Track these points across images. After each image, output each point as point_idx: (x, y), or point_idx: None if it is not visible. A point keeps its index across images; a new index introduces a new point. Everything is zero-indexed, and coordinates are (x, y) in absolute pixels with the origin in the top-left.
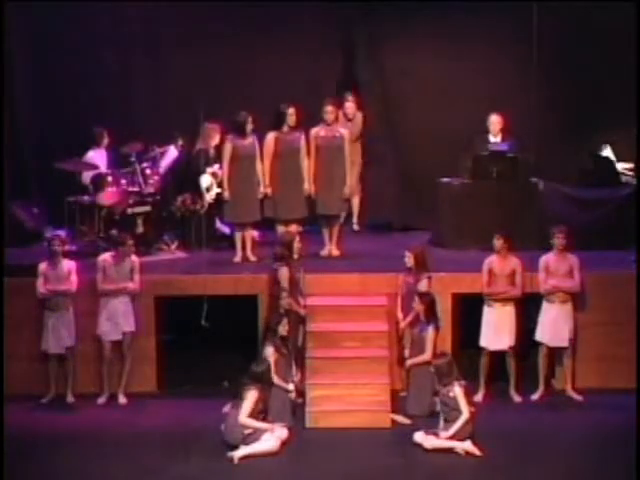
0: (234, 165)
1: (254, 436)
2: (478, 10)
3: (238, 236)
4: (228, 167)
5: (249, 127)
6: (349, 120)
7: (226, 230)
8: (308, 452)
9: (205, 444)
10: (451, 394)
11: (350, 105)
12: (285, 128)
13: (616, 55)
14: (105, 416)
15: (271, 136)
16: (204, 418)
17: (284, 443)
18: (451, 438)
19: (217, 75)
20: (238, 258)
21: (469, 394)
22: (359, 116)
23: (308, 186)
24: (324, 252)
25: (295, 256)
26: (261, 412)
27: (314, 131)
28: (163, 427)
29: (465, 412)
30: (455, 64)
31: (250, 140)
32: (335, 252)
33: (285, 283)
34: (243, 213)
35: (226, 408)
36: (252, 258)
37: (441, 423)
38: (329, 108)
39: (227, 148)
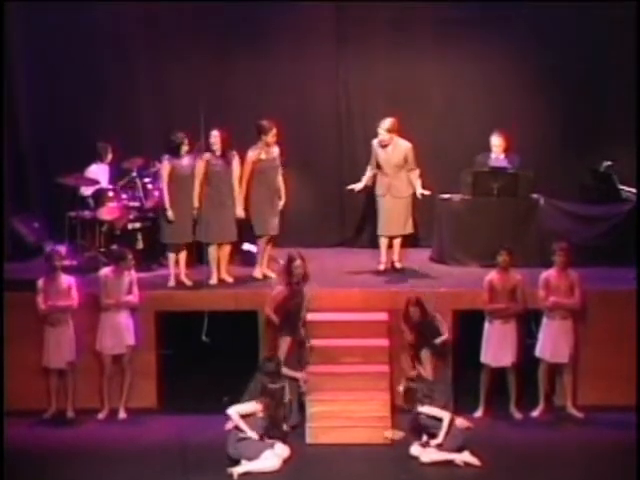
0: (173, 185)
1: (253, 451)
2: (479, 26)
3: (172, 257)
4: (168, 187)
5: (184, 148)
6: (383, 146)
7: (253, 249)
8: (308, 468)
9: (205, 460)
10: (421, 414)
11: (379, 130)
12: (216, 152)
13: (617, 71)
14: (105, 431)
15: (203, 159)
16: (204, 434)
17: (285, 460)
18: (443, 446)
19: (219, 90)
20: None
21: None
22: (404, 144)
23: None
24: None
25: (294, 279)
26: (261, 428)
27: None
28: (163, 442)
29: (445, 415)
30: (456, 81)
31: (187, 161)
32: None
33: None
34: (183, 233)
35: (229, 425)
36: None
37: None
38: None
39: (165, 168)
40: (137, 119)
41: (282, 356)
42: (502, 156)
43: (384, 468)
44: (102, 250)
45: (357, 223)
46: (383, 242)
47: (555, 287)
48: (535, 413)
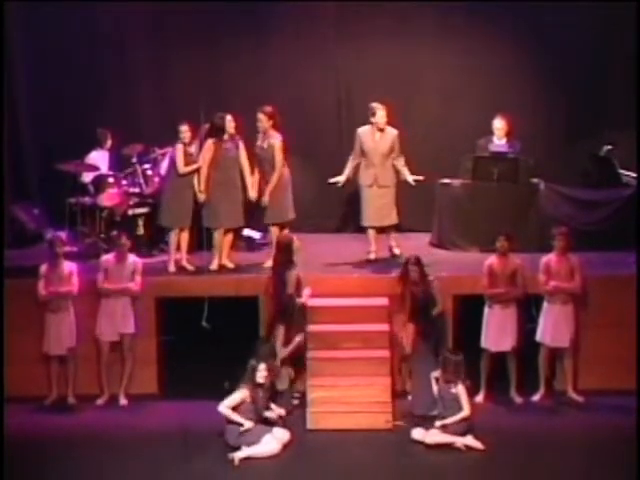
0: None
1: (253, 436)
2: (481, 12)
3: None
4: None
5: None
6: (380, 130)
7: (256, 236)
8: (309, 453)
9: (206, 446)
10: (453, 390)
11: (381, 115)
12: (225, 136)
13: (617, 57)
14: (106, 418)
15: (209, 144)
16: (205, 420)
17: (285, 446)
18: (448, 429)
19: (219, 76)
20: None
21: (470, 395)
22: (391, 132)
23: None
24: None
25: (296, 258)
26: (254, 413)
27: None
28: (164, 429)
29: (466, 409)
30: (456, 68)
31: (194, 148)
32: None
33: (292, 289)
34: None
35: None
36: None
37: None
38: (260, 116)
39: (180, 158)
40: (136, 105)
41: (279, 343)
42: (504, 140)
43: (385, 453)
44: (102, 236)
45: (357, 209)
46: (371, 232)
47: (556, 271)
48: (536, 398)
